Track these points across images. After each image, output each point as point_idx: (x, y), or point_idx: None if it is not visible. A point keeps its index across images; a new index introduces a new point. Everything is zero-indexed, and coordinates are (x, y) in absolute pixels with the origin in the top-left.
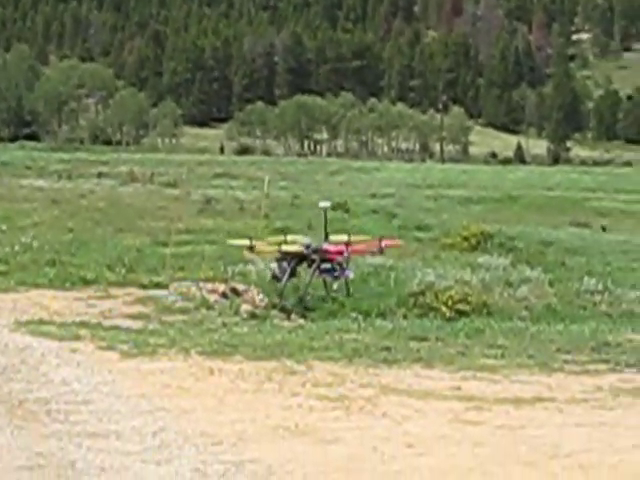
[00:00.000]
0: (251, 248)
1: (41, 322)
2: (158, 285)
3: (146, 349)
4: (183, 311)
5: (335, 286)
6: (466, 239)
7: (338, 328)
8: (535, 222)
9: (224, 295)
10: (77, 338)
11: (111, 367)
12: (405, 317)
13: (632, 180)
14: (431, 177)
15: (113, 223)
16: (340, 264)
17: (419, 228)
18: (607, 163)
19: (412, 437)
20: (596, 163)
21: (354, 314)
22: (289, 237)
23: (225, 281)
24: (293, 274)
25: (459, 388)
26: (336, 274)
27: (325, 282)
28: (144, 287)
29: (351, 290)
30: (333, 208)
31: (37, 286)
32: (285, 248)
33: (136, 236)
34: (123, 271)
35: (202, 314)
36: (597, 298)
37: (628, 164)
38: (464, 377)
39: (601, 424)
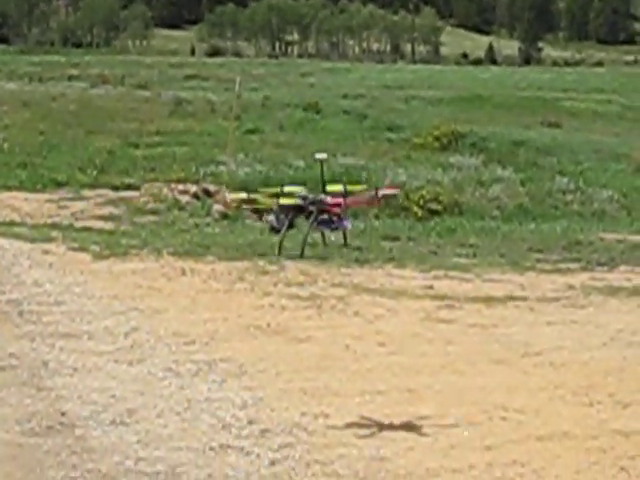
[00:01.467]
0: (250, 201)
1: (12, 224)
2: (130, 187)
3: (118, 250)
4: (154, 212)
5: (332, 237)
6: (437, 139)
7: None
8: (506, 122)
9: (196, 196)
10: (49, 240)
11: (83, 268)
12: (377, 217)
13: (604, 80)
14: (402, 78)
15: (84, 125)
16: (338, 215)
17: (390, 129)
18: (579, 63)
19: (384, 336)
20: (568, 63)
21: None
22: (286, 188)
23: (196, 182)
24: (291, 226)
25: (431, 287)
26: (334, 226)
27: (323, 233)
28: (115, 189)
29: (348, 240)
30: (304, 109)
31: (8, 188)
32: (283, 201)
33: (107, 138)
34: (94, 173)
35: (174, 215)
36: (569, 197)
37: (600, 64)
38: (436, 276)
39: (572, 322)
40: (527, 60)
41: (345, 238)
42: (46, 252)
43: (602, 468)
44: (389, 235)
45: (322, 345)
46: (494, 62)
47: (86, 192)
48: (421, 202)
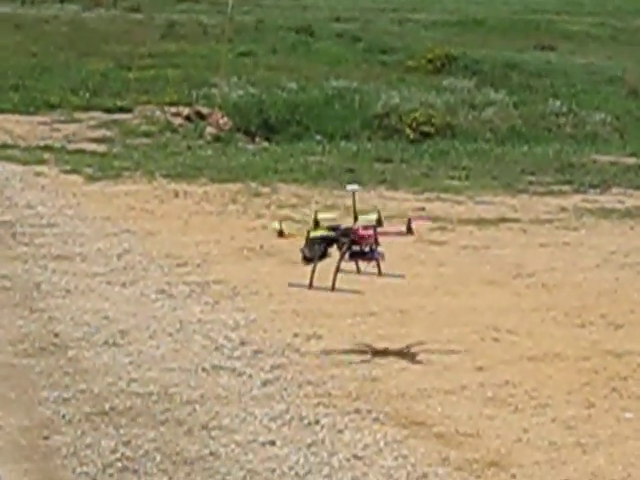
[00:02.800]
0: (280, 233)
1: (5, 146)
2: (122, 109)
3: (110, 172)
4: (147, 134)
5: (364, 268)
6: (430, 62)
7: (303, 150)
8: (500, 45)
9: (188, 118)
10: (41, 162)
11: (75, 190)
12: (369, 139)
13: (597, 2)
14: (396, 1)
15: (77, 48)
16: (370, 246)
17: (383, 51)
18: None
19: None
20: None
21: (319, 137)
22: (320, 215)
23: (189, 104)
24: (324, 255)
25: (423, 209)
26: (367, 256)
27: (357, 263)
28: (108, 111)
29: (382, 269)
30: (297, 32)
31: (1, 111)
32: (314, 233)
33: (100, 60)
34: (87, 95)
35: (166, 137)
36: (562, 120)
37: None
38: (428, 198)
39: (565, 244)
40: None
41: (379, 268)
42: (38, 174)
43: (594, 389)
44: (381, 157)
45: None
46: None
47: (79, 114)
48: (414, 124)
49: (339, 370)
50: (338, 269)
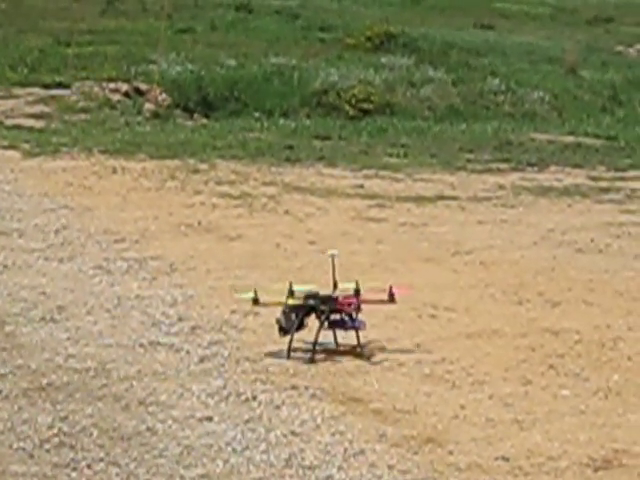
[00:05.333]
0: (256, 301)
1: None
2: (60, 85)
3: (48, 148)
4: (85, 110)
5: (343, 337)
6: (369, 39)
7: (241, 127)
8: (439, 23)
9: (127, 95)
10: None
11: (13, 166)
12: (308, 116)
13: None
14: None
15: (15, 24)
16: (350, 315)
17: (322, 29)
18: None
19: (314, 234)
20: None
21: (257, 114)
22: (295, 287)
23: (128, 81)
24: (301, 325)
25: (362, 186)
26: (347, 326)
27: (335, 333)
28: (46, 87)
29: (361, 339)
30: (236, 8)
31: None
32: (292, 302)
33: (38, 37)
34: (25, 71)
35: (105, 113)
36: (500, 98)
37: None
38: (367, 175)
39: (502, 222)
40: None
41: (358, 338)
42: None
43: (531, 365)
44: (320, 134)
45: (253, 243)
46: None
47: (16, 90)
48: (352, 102)
49: (277, 346)
50: (317, 340)
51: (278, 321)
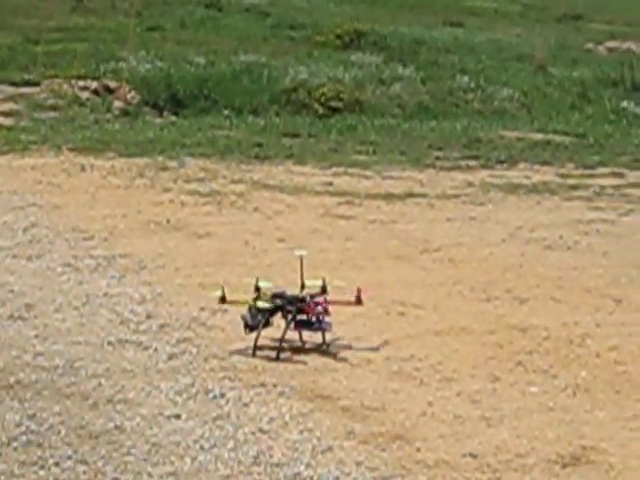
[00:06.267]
0: (223, 299)
1: None
2: (29, 82)
3: (17, 146)
4: (54, 108)
5: (310, 336)
6: (339, 37)
7: (210, 125)
8: (408, 21)
9: (96, 92)
10: None
11: None
12: (277, 114)
13: None
14: None
15: None
16: (317, 316)
17: (292, 27)
18: None
19: (283, 231)
20: None
21: (226, 111)
22: (261, 283)
23: (97, 78)
24: (267, 323)
25: (331, 184)
26: (313, 327)
27: (300, 333)
28: (15, 84)
29: (327, 340)
30: (206, 6)
31: None
32: (262, 304)
33: (7, 34)
34: None
35: (74, 111)
36: (469, 96)
37: None
38: (336, 173)
39: (471, 219)
40: None
41: (324, 338)
42: None
43: (499, 362)
44: (289, 132)
45: (221, 241)
46: None
47: None
48: (322, 99)
49: (245, 343)
50: (283, 339)
51: (244, 318)
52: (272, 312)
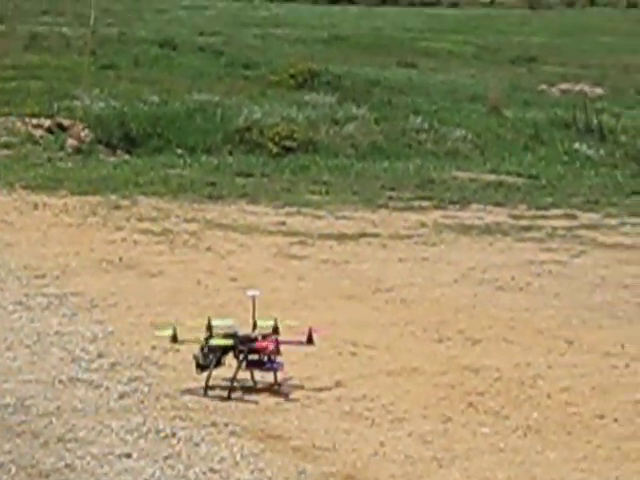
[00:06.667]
0: (174, 338)
1: None
2: None
3: None
4: (7, 146)
5: (261, 376)
6: (293, 77)
7: (163, 164)
8: (362, 62)
9: (49, 130)
10: None
11: None
12: (231, 153)
13: (459, 20)
14: (259, 16)
15: None
16: (269, 356)
17: (246, 66)
18: (435, 4)
19: (236, 271)
20: (424, 4)
21: (180, 150)
22: (214, 322)
23: (51, 116)
24: (219, 363)
25: (284, 223)
26: (265, 366)
27: (252, 373)
28: None
29: (279, 379)
30: (160, 45)
31: None
32: (213, 343)
33: None
34: None
35: (27, 149)
36: (422, 136)
37: (455, 4)
38: (289, 213)
39: (424, 259)
40: (384, 0)
41: (275, 378)
42: None
43: (451, 403)
44: (243, 171)
45: (174, 280)
46: (352, 2)
47: None
48: (276, 139)
49: (197, 383)
50: (235, 378)
51: (195, 357)
52: (223, 351)
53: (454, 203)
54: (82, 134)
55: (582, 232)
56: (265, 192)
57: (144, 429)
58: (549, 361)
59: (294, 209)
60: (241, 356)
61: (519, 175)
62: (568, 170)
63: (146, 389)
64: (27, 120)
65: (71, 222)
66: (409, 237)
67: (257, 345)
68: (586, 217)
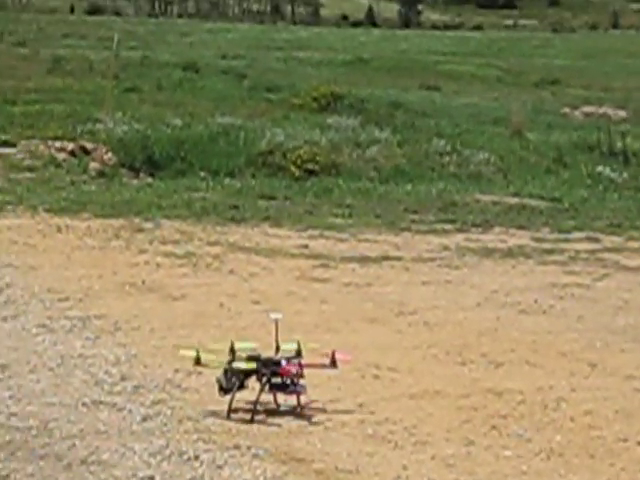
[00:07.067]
0: (197, 361)
1: None
2: (6, 143)
3: None
4: (31, 169)
5: (284, 399)
6: (315, 100)
7: (186, 187)
8: (385, 85)
9: (72, 154)
10: None
11: None
12: (254, 176)
13: (482, 44)
14: (282, 39)
15: None
16: (292, 379)
17: (269, 89)
18: (458, 27)
19: (259, 294)
20: (447, 27)
21: (203, 173)
22: (236, 345)
23: (74, 139)
24: (242, 386)
25: (306, 246)
26: (288, 390)
27: (275, 396)
28: None
29: (302, 402)
30: (183, 68)
31: None
32: (236, 366)
33: None
34: None
35: (50, 172)
36: (445, 159)
37: (479, 28)
38: (312, 235)
39: (447, 282)
40: (406, 23)
41: (298, 400)
42: None
43: (473, 426)
44: (265, 194)
45: (196, 303)
46: (374, 24)
47: None
48: (298, 162)
49: (219, 406)
50: (258, 401)
51: (218, 380)
52: (247, 374)
53: (477, 226)
54: (105, 157)
55: (605, 255)
56: (288, 215)
57: (167, 452)
58: (572, 384)
59: (317, 232)
60: (264, 379)
61: (542, 198)
62: (591, 193)
63: (169, 412)
64: (50, 143)
65: (94, 245)
66: (432, 260)
67: (280, 368)
68: (609, 240)
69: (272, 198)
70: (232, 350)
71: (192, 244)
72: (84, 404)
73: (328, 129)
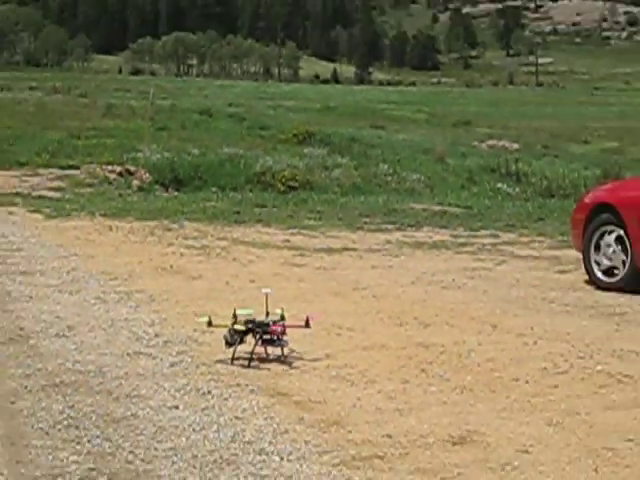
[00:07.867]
0: (210, 323)
1: None
2: (72, 167)
3: (63, 212)
4: (90, 185)
5: (272, 351)
6: (295, 136)
7: (202, 198)
8: (346, 125)
9: (120, 174)
10: (13, 204)
11: (37, 225)
12: (251, 191)
13: (415, 95)
14: (271, 92)
15: (40, 123)
16: (278, 336)
17: (262, 128)
18: (398, 83)
19: (254, 275)
20: (390, 83)
21: (214, 188)
22: (238, 312)
23: (121, 164)
24: (242, 341)
25: (288, 241)
26: (276, 343)
27: (266, 348)
28: (62, 168)
29: (285, 353)
30: (200, 113)
31: None
32: (237, 327)
33: (57, 132)
34: (47, 157)
35: (104, 187)
36: (388, 179)
37: (413, 84)
38: (292, 233)
39: (389, 267)
40: (361, 80)
41: (282, 351)
42: (10, 213)
43: (408, 370)
44: (259, 203)
45: (209, 281)
46: (337, 82)
47: (41, 170)
48: (283, 180)
49: (225, 355)
50: (253, 352)
51: (225, 337)
52: (245, 333)
53: (411, 226)
54: (144, 177)
55: (503, 247)
56: (275, 218)
57: (188, 388)
58: (479, 340)
59: (296, 230)
60: (258, 336)
61: (458, 206)
62: (493, 203)
63: (189, 359)
64: (104, 167)
65: (136, 240)
66: (379, 251)
67: (270, 328)
68: (506, 236)
69: (264, 206)
70: (234, 316)
71: (206, 239)
72: (128, 354)
73: (304, 157)
